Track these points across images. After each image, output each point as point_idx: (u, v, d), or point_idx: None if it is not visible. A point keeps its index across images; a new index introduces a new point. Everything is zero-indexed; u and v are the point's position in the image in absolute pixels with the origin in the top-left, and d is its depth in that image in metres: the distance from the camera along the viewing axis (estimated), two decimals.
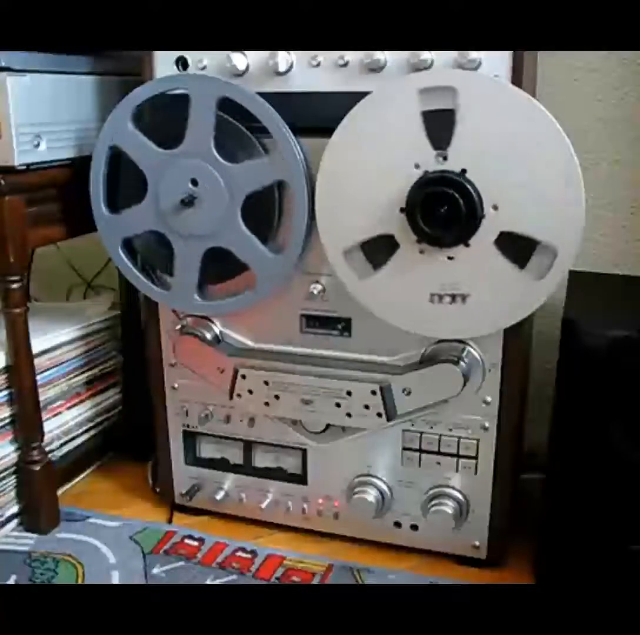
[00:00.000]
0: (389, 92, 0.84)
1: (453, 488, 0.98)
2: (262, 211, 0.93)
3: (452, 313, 0.87)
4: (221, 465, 1.10)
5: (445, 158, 0.82)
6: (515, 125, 0.80)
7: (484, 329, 0.88)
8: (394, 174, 0.84)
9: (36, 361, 1.06)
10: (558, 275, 0.82)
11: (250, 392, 1.00)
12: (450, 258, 0.85)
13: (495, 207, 0.82)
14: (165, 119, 0.94)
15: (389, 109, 0.84)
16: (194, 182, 0.93)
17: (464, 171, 0.82)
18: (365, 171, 0.86)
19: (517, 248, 0.83)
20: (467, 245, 0.84)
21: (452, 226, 0.82)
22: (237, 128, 0.91)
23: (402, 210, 0.84)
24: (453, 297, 0.86)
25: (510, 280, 0.84)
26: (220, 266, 0.96)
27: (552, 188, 0.80)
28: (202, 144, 0.91)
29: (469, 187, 0.81)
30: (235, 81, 0.90)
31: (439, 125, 0.82)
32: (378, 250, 0.88)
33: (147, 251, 1.00)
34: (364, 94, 0.84)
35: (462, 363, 0.91)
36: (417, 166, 0.84)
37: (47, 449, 1.10)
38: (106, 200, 0.98)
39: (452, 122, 0.81)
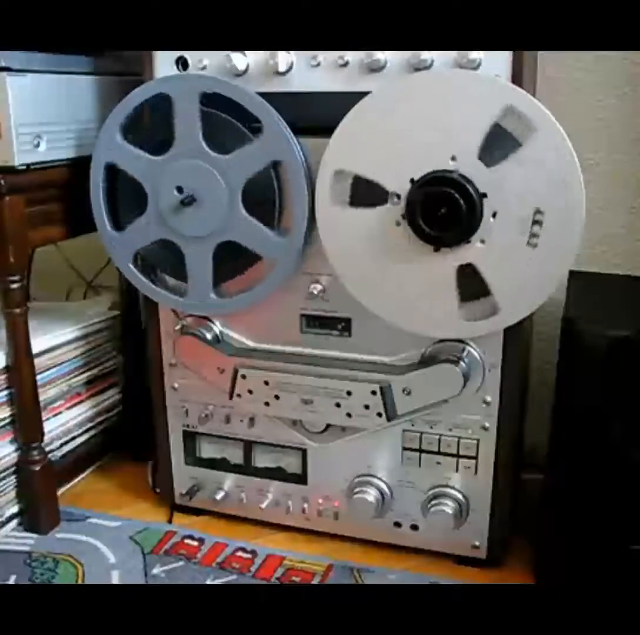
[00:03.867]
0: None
1: (453, 488, 0.98)
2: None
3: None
4: (221, 465, 1.10)
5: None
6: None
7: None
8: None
9: (36, 361, 1.06)
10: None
11: (250, 392, 1.00)
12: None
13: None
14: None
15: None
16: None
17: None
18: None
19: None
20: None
21: (453, 226, 0.82)
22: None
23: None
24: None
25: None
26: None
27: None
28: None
29: (467, 185, 0.81)
30: (236, 81, 0.90)
31: None
32: None
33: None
34: (364, 94, 0.84)
35: (462, 363, 0.91)
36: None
37: (47, 449, 1.10)
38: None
39: None
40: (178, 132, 0.92)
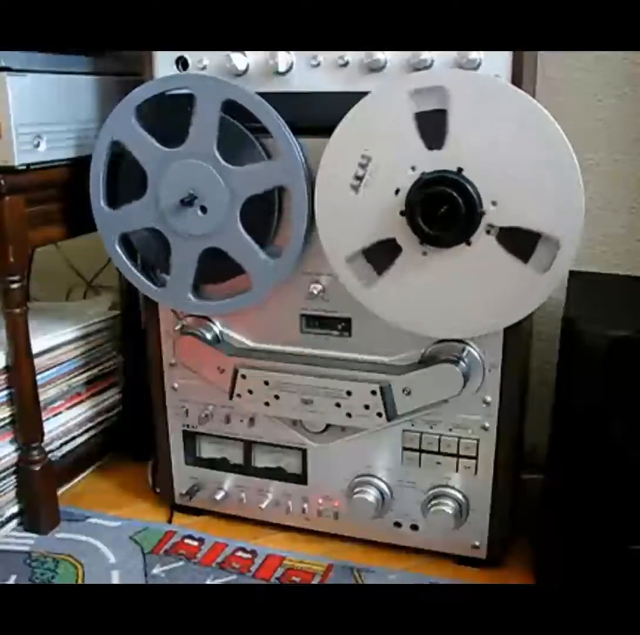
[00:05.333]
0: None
1: (453, 488, 0.98)
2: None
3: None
4: (221, 465, 1.10)
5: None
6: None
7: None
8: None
9: (36, 361, 1.06)
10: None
11: (250, 392, 1.00)
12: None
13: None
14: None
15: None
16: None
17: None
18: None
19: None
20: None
21: (452, 226, 0.82)
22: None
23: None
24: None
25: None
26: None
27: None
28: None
29: (467, 186, 0.81)
30: (235, 81, 0.90)
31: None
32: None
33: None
34: (363, 94, 0.84)
35: (462, 363, 0.91)
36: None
37: (47, 449, 1.10)
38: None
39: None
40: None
